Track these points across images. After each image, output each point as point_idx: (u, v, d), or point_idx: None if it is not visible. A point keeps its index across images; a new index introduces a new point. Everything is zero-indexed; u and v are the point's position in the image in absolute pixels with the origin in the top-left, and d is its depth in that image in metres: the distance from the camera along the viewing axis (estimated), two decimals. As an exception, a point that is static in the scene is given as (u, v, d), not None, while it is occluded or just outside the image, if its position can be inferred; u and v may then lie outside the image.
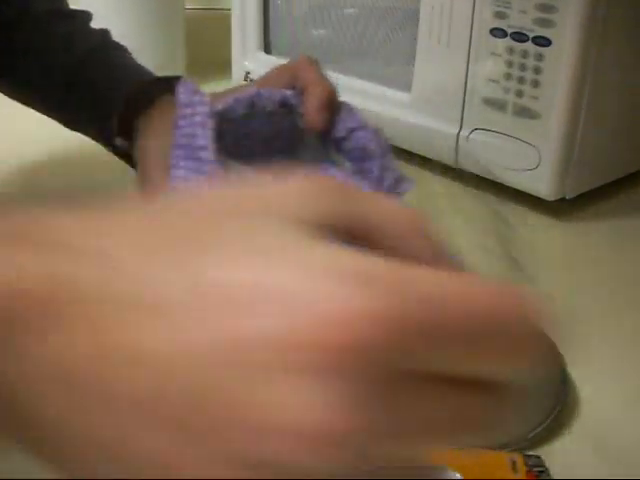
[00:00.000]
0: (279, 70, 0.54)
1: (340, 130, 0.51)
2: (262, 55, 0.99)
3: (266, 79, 0.54)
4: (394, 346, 0.17)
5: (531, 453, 0.44)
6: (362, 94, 0.87)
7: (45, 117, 0.66)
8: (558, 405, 0.48)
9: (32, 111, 0.67)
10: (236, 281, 0.19)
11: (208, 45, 1.18)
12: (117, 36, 0.67)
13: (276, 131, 0.52)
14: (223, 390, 0.18)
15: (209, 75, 1.07)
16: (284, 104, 0.51)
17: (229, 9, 1.02)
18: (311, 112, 0.50)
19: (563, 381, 0.51)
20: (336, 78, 0.53)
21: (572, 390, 0.50)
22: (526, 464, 0.43)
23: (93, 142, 0.63)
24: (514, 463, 0.43)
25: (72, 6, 0.69)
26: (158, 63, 0.55)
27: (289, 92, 0.51)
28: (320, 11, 0.90)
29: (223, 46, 1.05)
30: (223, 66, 1.04)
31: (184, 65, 1.13)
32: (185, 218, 0.21)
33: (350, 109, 0.52)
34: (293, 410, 0.17)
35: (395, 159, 0.50)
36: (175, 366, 0.18)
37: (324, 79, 0.52)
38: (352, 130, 0.50)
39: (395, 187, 0.48)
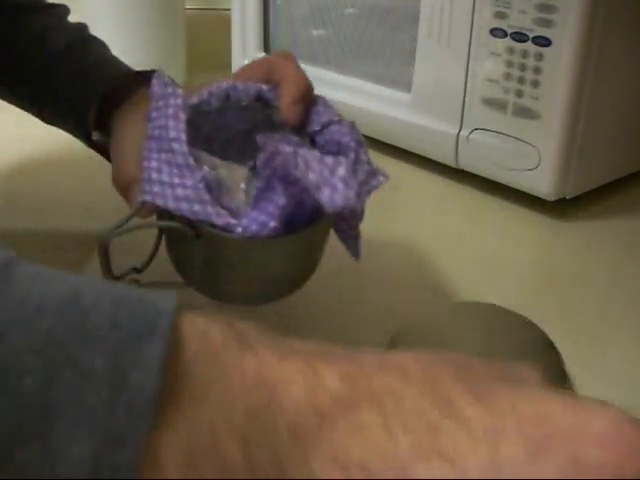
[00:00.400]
0: (255, 64, 0.54)
1: (315, 124, 0.51)
2: (262, 55, 0.99)
3: (242, 72, 0.54)
4: None
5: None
6: (362, 94, 0.88)
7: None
8: None
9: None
10: (549, 412, 0.23)
11: (208, 45, 1.18)
12: (117, 37, 0.67)
13: (252, 124, 0.52)
14: None
15: (209, 75, 1.07)
16: (260, 98, 0.51)
17: (229, 9, 1.02)
18: (286, 106, 0.50)
19: (561, 378, 0.51)
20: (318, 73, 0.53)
21: (570, 387, 0.50)
22: None
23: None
24: None
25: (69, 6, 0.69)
26: (158, 63, 0.54)
27: (265, 86, 0.51)
28: (320, 11, 0.90)
29: (223, 46, 1.05)
30: (223, 66, 1.04)
31: (184, 65, 1.13)
32: (466, 375, 0.25)
33: (326, 103, 0.52)
34: None
35: (369, 153, 0.50)
36: (483, 471, 0.22)
37: (300, 73, 0.51)
38: (327, 124, 0.50)
39: (368, 181, 0.47)
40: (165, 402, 0.22)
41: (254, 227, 0.44)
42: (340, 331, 0.55)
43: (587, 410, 0.23)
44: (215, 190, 0.45)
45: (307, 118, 0.51)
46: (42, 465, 0.21)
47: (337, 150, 0.48)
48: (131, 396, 0.21)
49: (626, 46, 0.73)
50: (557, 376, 0.52)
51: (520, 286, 0.59)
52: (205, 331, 0.24)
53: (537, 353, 0.53)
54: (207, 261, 0.47)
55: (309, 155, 0.44)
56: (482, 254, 0.68)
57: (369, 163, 0.48)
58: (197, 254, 0.46)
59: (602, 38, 0.69)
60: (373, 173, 0.48)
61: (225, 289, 0.49)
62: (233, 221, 0.44)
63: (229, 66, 1.03)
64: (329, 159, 0.44)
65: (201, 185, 0.44)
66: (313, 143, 0.51)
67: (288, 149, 0.43)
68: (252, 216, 0.44)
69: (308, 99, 0.51)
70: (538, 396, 0.24)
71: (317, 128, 0.50)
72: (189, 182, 0.44)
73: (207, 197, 0.44)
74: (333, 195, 0.42)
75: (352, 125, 0.50)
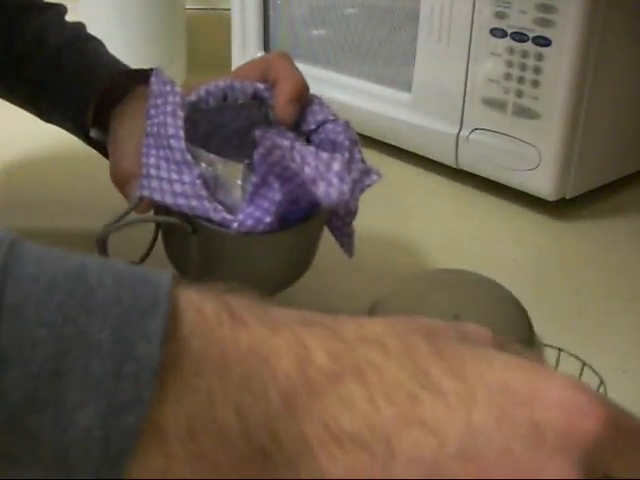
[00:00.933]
0: (252, 63, 0.55)
1: (311, 122, 0.51)
2: (262, 55, 0.99)
3: (239, 71, 0.54)
4: (609, 440, 0.25)
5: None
6: (362, 94, 0.88)
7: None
8: None
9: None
10: (516, 382, 0.26)
11: (208, 45, 1.18)
12: (117, 37, 0.67)
13: (249, 123, 0.52)
14: (510, 460, 0.24)
15: (209, 75, 1.07)
16: (256, 97, 0.51)
17: (229, 9, 1.02)
18: (281, 105, 0.50)
19: (528, 334, 0.53)
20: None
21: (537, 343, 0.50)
22: None
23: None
24: None
25: (69, 6, 0.69)
26: (158, 63, 0.55)
27: (261, 85, 0.51)
28: (320, 11, 0.90)
29: (223, 46, 1.05)
30: (223, 66, 1.04)
31: (184, 65, 1.13)
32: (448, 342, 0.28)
33: (321, 102, 0.52)
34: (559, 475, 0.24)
35: (367, 152, 0.50)
36: (459, 436, 0.24)
37: (296, 73, 0.52)
38: (322, 123, 0.51)
39: (362, 179, 0.48)
40: (166, 372, 0.24)
41: (250, 222, 0.44)
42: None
43: (542, 377, 0.26)
44: (212, 186, 0.46)
45: (303, 117, 0.51)
46: (54, 431, 0.23)
47: (331, 149, 0.49)
48: (136, 366, 0.23)
49: (626, 46, 0.73)
50: (524, 332, 0.54)
51: (520, 285, 0.59)
52: (199, 307, 0.25)
53: (505, 311, 0.55)
54: (203, 256, 0.47)
55: (305, 150, 0.44)
56: (481, 254, 0.68)
57: (363, 161, 0.49)
58: (193, 249, 0.47)
59: (602, 38, 0.69)
60: (367, 171, 0.48)
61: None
62: (229, 217, 0.44)
63: (229, 66, 1.03)
64: (324, 154, 0.45)
65: (198, 181, 0.44)
66: (309, 142, 0.51)
67: (285, 143, 0.44)
68: (248, 212, 0.44)
69: (303, 99, 0.51)
70: (500, 364, 0.27)
71: (312, 127, 0.51)
72: (187, 178, 0.44)
73: (204, 193, 0.44)
74: (328, 189, 0.43)
75: (346, 124, 0.51)
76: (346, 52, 0.89)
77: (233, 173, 0.47)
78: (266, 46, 1.00)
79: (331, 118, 0.51)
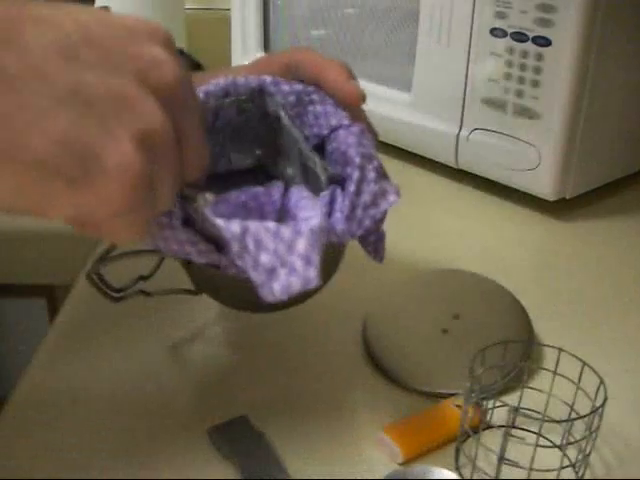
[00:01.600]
0: (267, 61, 0.52)
1: (324, 127, 0.47)
2: (262, 55, 0.99)
3: (251, 70, 0.51)
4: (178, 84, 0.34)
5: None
6: (362, 94, 0.88)
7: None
8: (516, 368, 0.50)
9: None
10: None
11: (208, 45, 1.18)
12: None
13: (247, 121, 0.49)
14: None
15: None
16: (261, 91, 0.48)
17: (229, 9, 1.02)
18: (343, 85, 0.48)
19: (526, 330, 0.54)
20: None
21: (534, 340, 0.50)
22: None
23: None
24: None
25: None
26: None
27: (269, 78, 0.48)
28: (320, 11, 0.90)
29: (223, 46, 1.05)
30: (223, 66, 1.04)
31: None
32: None
33: (337, 103, 0.48)
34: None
35: (381, 166, 0.45)
36: (75, 27, 0.32)
37: (333, 59, 0.50)
38: (335, 128, 0.47)
39: (376, 202, 0.43)
40: None
41: (233, 270, 0.41)
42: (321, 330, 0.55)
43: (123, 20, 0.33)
44: (200, 223, 0.42)
45: (316, 119, 0.48)
46: None
47: (343, 161, 0.45)
48: None
49: (626, 46, 0.73)
50: (524, 332, 0.54)
51: (519, 286, 0.59)
52: None
53: (505, 311, 0.56)
54: (207, 279, 0.46)
55: (262, 230, 0.38)
56: (482, 254, 0.68)
57: (376, 182, 0.44)
58: (192, 274, 0.47)
59: (602, 38, 0.69)
60: (382, 193, 0.43)
61: (231, 300, 0.49)
62: (215, 256, 0.41)
63: (229, 66, 1.03)
64: (287, 231, 0.38)
65: (177, 222, 0.41)
66: (323, 150, 0.47)
67: (235, 229, 0.38)
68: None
69: (355, 77, 0.49)
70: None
71: (325, 132, 0.47)
72: (164, 220, 0.41)
73: (184, 237, 0.41)
74: (289, 278, 0.37)
75: (361, 132, 0.46)
76: (346, 52, 0.89)
77: (204, 203, 0.41)
78: (266, 46, 1.00)
79: (345, 123, 0.46)
